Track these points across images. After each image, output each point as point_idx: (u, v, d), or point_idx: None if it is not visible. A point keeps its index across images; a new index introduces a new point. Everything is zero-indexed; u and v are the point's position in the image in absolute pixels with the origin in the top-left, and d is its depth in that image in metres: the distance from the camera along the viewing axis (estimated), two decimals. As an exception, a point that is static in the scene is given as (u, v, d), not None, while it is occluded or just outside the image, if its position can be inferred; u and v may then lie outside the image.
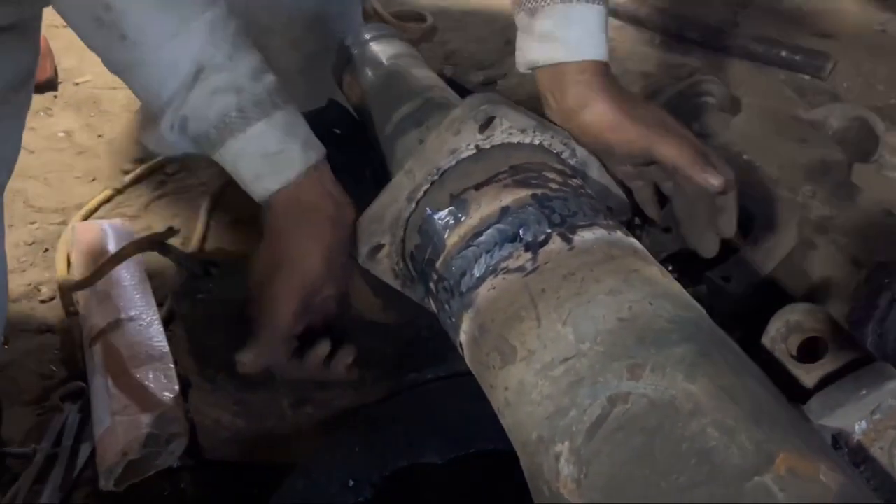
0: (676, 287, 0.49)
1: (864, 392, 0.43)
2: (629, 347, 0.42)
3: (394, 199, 0.58)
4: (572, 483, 0.40)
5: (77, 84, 1.54)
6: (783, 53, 1.65)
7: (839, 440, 0.46)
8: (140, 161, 1.35)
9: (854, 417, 0.44)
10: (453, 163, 0.57)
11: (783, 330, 0.52)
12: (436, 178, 0.57)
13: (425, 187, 0.58)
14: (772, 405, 0.39)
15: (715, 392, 0.39)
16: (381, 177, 0.75)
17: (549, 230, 0.50)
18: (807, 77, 1.65)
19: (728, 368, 0.41)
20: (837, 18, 1.96)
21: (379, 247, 0.60)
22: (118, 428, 0.82)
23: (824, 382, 0.47)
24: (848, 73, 1.71)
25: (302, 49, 1.02)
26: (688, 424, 0.38)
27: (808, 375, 0.49)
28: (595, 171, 0.63)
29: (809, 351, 0.51)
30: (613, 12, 1.89)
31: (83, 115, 1.47)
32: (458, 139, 0.56)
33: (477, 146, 0.57)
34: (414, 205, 0.59)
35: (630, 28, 1.87)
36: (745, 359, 0.44)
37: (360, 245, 0.60)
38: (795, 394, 0.50)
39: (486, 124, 0.56)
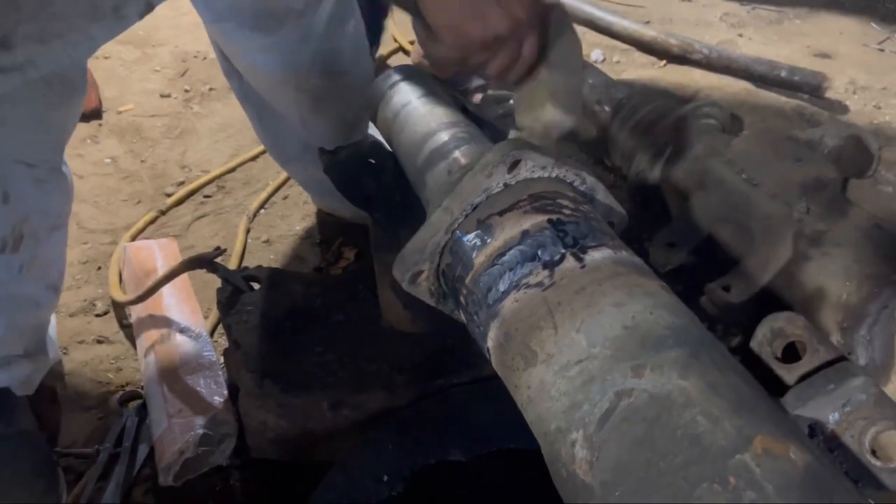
0: (673, 298, 0.56)
1: (831, 387, 0.51)
2: (632, 351, 0.49)
3: (434, 233, 0.65)
4: (586, 465, 0.47)
5: (120, 112, 1.63)
6: (783, 74, 1.70)
7: (816, 429, 0.53)
8: (180, 184, 1.45)
9: (826, 409, 0.51)
10: (485, 198, 0.64)
11: (768, 335, 0.59)
12: (469, 211, 0.64)
13: (460, 220, 0.65)
14: (751, 397, 0.46)
15: (703, 387, 0.46)
16: (411, 202, 0.83)
17: (563, 251, 0.58)
18: (805, 96, 1.71)
19: (715, 367, 0.48)
20: (836, 38, 2.02)
21: (419, 273, 0.67)
22: (175, 429, 0.90)
23: (802, 380, 0.55)
24: (846, 91, 1.77)
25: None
26: (681, 414, 0.45)
27: (789, 374, 0.56)
28: (601, 194, 0.71)
29: (792, 353, 0.59)
30: (621, 36, 1.97)
31: (126, 142, 1.55)
32: (490, 180, 0.64)
33: (505, 184, 0.64)
34: (450, 235, 0.65)
35: (636, 52, 1.94)
36: (731, 358, 0.51)
37: (403, 272, 0.67)
38: (780, 389, 0.57)
39: (514, 166, 0.64)
